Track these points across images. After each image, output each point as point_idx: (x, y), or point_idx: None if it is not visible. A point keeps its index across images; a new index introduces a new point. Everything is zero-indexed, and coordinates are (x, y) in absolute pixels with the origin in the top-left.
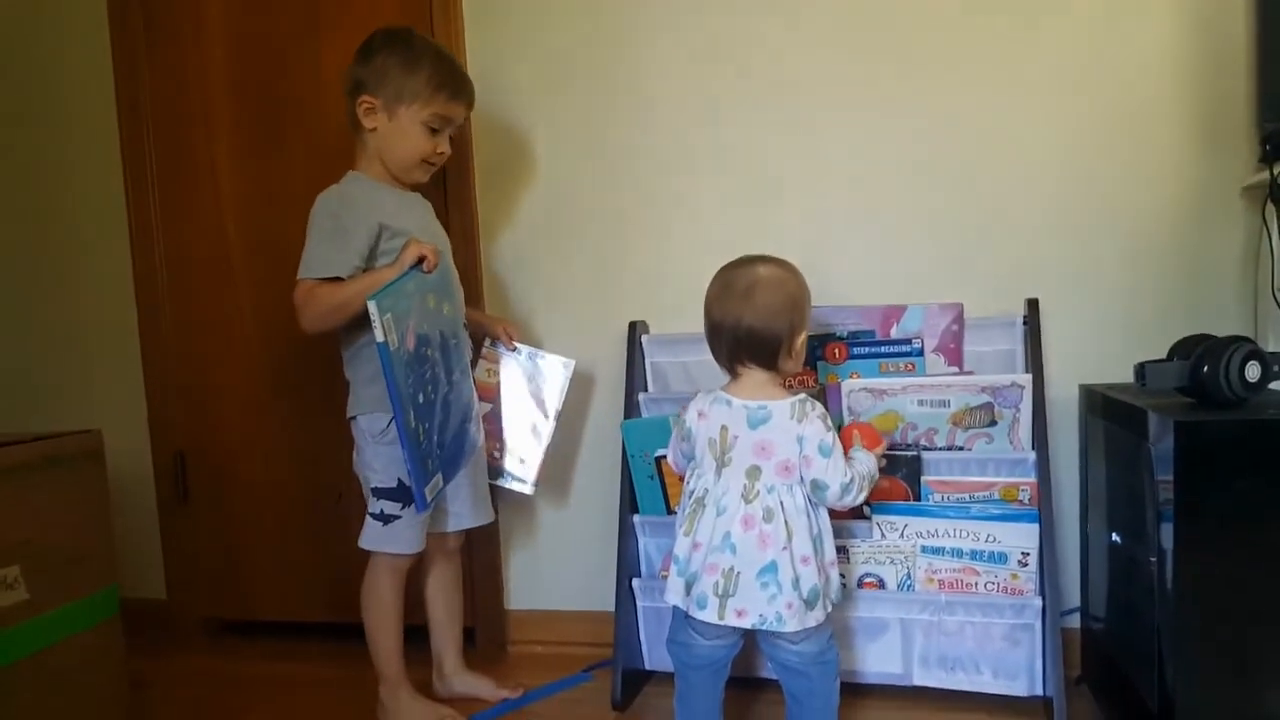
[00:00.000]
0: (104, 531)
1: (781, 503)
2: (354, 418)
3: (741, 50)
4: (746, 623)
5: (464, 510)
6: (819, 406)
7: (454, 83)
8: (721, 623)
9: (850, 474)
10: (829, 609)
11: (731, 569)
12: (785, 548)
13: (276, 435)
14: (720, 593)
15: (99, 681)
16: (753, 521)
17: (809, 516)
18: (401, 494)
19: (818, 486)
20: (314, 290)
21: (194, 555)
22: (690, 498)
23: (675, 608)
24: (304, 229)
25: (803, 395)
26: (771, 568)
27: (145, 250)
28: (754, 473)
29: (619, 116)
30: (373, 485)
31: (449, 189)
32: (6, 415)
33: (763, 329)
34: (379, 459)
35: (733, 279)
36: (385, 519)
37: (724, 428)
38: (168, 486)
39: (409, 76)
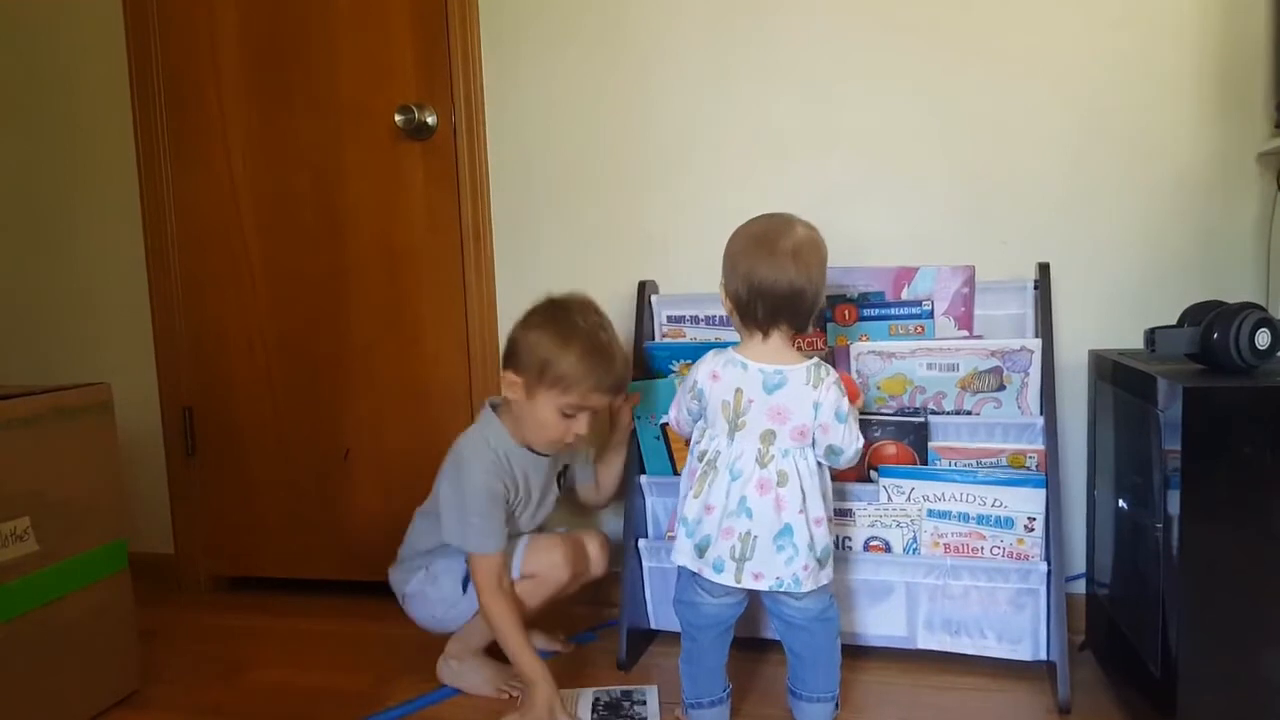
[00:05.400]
0: (113, 484)
1: (798, 467)
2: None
3: (755, 12)
4: (764, 585)
5: None
6: (833, 371)
7: (596, 373)
8: (738, 585)
9: (861, 438)
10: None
11: (748, 533)
12: (801, 511)
13: (284, 392)
14: (737, 556)
15: (108, 633)
16: (768, 485)
17: (819, 478)
18: None
19: (833, 451)
20: (499, 597)
21: (201, 511)
22: (700, 459)
23: (682, 568)
24: (314, 183)
25: (816, 359)
26: (787, 531)
27: (155, 204)
28: (769, 437)
29: (630, 77)
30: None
31: (459, 145)
32: (16, 368)
33: (809, 290)
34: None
35: (775, 238)
36: None
37: (738, 391)
38: (176, 442)
39: (554, 364)
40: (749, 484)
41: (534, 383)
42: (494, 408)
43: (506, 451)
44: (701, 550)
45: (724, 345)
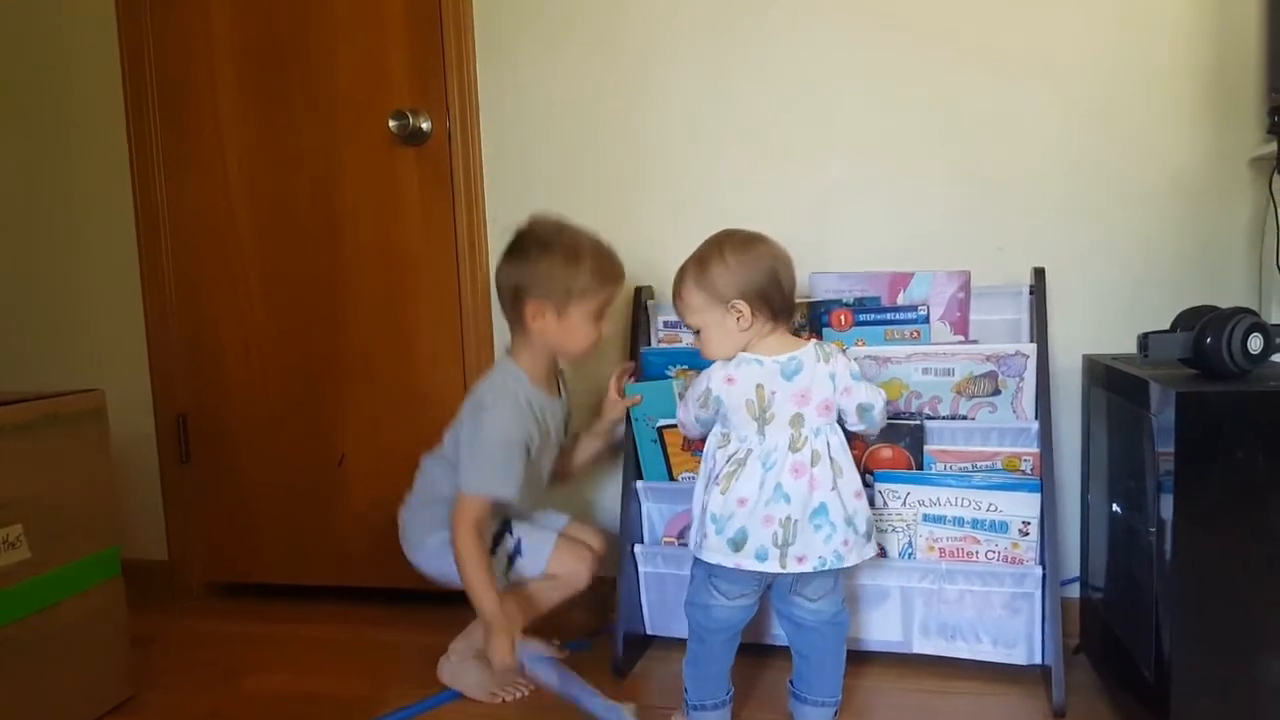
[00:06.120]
0: (106, 491)
1: (828, 442)
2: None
3: (752, 16)
4: (808, 567)
5: None
6: (835, 346)
7: (613, 268)
8: (784, 571)
9: (883, 392)
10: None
11: (789, 518)
12: (834, 488)
13: (279, 397)
14: (780, 543)
15: (101, 641)
16: (802, 468)
17: (849, 452)
18: None
19: (865, 409)
20: (475, 536)
21: (195, 517)
22: (726, 460)
23: (695, 571)
24: (309, 188)
25: (815, 340)
26: (821, 510)
27: (148, 209)
28: (798, 421)
29: (626, 81)
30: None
31: (453, 150)
32: (8, 374)
33: None
34: None
35: (761, 239)
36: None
37: (759, 386)
38: (169, 448)
39: (575, 275)
40: (783, 470)
41: (564, 302)
42: (509, 355)
43: (528, 396)
44: (738, 544)
45: None
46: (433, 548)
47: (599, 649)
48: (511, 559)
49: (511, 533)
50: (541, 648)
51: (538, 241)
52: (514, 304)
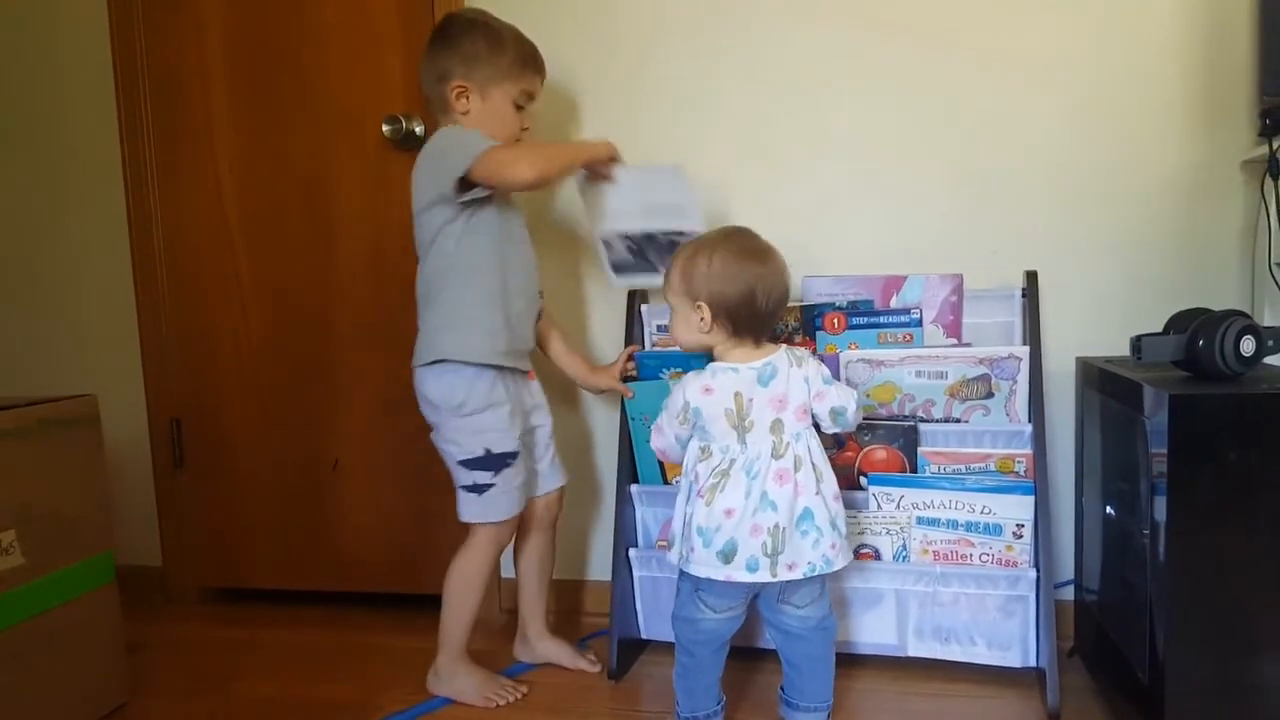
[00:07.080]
0: (100, 497)
1: (809, 447)
2: (422, 367)
3: (744, 18)
4: (799, 574)
5: (546, 470)
6: (805, 350)
7: (535, 58)
8: (775, 580)
9: (854, 393)
10: None
11: (776, 525)
12: (817, 492)
13: (273, 402)
14: (770, 552)
15: (95, 647)
16: (787, 475)
17: (826, 455)
18: (491, 462)
19: (838, 413)
20: (515, 144)
21: (190, 522)
22: (710, 473)
23: (681, 584)
24: (302, 193)
25: (785, 346)
26: (807, 515)
27: (141, 213)
28: (778, 426)
29: (618, 82)
30: (458, 459)
31: None
32: (2, 379)
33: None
34: (460, 433)
35: (759, 247)
36: (479, 489)
37: (737, 394)
38: (163, 453)
39: (498, 57)
40: (767, 478)
41: (485, 83)
42: None
43: None
44: (727, 556)
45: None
46: (431, 330)
47: (594, 651)
48: (473, 488)
49: (498, 471)
50: (562, 652)
51: (462, 25)
52: (438, 86)
